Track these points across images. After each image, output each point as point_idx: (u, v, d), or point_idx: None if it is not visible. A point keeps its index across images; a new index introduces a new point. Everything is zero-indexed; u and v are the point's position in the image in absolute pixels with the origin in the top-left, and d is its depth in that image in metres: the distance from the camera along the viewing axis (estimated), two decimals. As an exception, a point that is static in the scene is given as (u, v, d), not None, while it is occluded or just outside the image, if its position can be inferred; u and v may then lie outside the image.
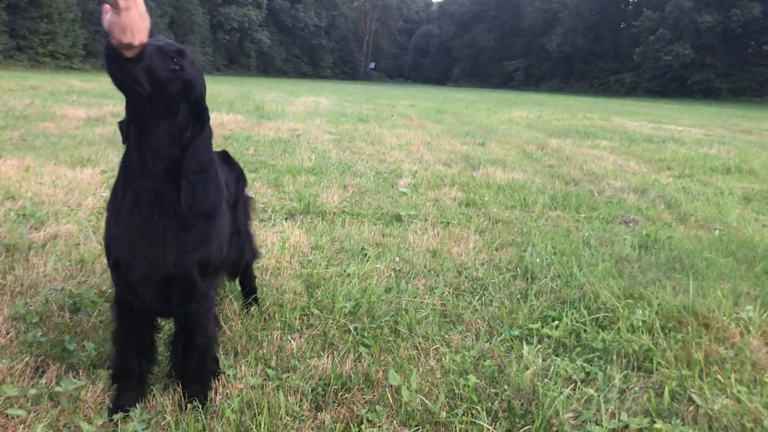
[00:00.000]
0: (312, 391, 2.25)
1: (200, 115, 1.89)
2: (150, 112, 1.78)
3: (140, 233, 1.86)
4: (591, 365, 2.59)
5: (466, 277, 3.60)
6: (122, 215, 1.87)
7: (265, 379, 2.29)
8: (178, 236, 1.88)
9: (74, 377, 2.21)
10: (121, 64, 1.67)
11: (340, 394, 2.24)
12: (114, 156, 6.58)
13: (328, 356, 2.51)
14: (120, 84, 1.71)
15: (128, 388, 2.07)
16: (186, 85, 1.83)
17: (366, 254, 3.89)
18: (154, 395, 2.15)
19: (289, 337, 2.63)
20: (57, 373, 2.23)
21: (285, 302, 2.97)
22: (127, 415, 1.97)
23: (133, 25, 1.57)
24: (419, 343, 2.68)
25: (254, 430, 1.98)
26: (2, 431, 1.87)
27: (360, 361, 2.49)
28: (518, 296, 3.31)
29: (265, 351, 2.51)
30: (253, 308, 2.84)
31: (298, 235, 4.21)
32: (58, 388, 2.06)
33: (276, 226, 4.52)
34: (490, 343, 2.74)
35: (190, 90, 1.84)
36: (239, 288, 2.98)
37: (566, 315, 3.02)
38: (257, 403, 2.10)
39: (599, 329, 2.90)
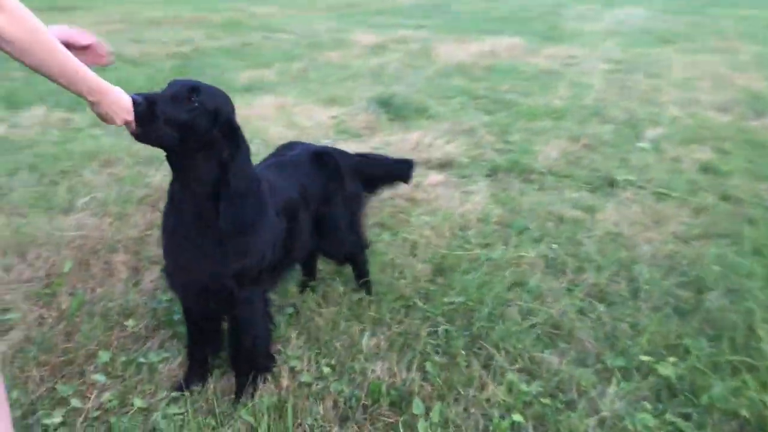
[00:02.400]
0: (348, 399, 2.29)
1: (233, 136, 2.02)
2: (185, 150, 1.96)
3: (182, 248, 2.11)
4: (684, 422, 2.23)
5: (623, 277, 3.23)
6: (168, 233, 2.15)
7: (317, 378, 2.40)
8: (214, 250, 2.09)
9: (170, 348, 2.59)
10: (136, 136, 1.87)
11: (370, 409, 2.26)
12: (366, 92, 6.95)
13: (395, 361, 2.48)
14: (151, 144, 1.93)
15: (193, 369, 2.40)
16: (211, 115, 1.96)
17: (525, 233, 3.69)
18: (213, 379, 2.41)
19: (367, 334, 2.65)
20: (161, 340, 2.64)
21: (394, 288, 3.01)
22: (182, 394, 2.30)
23: (109, 112, 1.72)
24: (495, 362, 2.49)
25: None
26: (80, 396, 2.29)
27: (421, 372, 2.44)
28: (667, 312, 2.88)
29: (338, 346, 2.58)
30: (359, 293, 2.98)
31: (477, 202, 4.17)
32: (141, 359, 2.47)
33: (467, 186, 4.49)
34: (576, 374, 2.44)
35: (216, 119, 1.97)
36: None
37: (698, 348, 2.58)
38: (283, 406, 2.22)
39: (723, 377, 2.41)
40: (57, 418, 2.18)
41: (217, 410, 2.23)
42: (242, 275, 2.17)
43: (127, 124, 1.80)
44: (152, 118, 1.84)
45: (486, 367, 2.51)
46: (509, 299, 2.96)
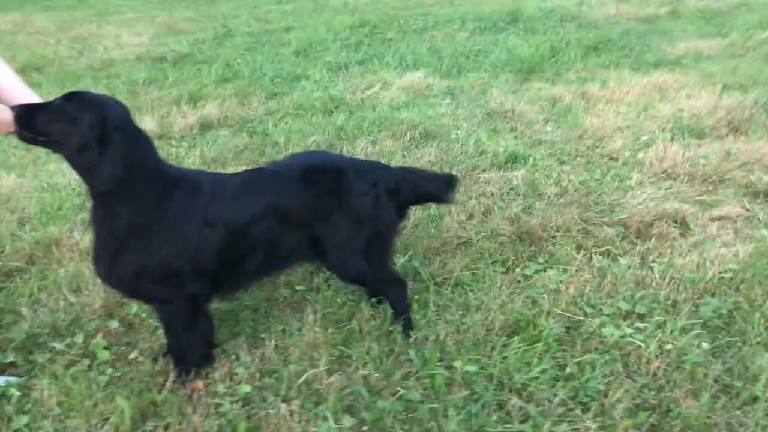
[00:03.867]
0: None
1: (103, 140, 2.13)
2: (69, 153, 2.18)
3: (95, 241, 2.33)
4: None
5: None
6: (91, 225, 2.36)
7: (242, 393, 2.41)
8: (110, 248, 2.26)
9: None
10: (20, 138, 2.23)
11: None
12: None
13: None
14: (35, 144, 2.26)
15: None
16: (80, 121, 2.12)
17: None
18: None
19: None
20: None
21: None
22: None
23: None
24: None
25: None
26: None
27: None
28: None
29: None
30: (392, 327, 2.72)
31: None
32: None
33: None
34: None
35: (89, 125, 2.12)
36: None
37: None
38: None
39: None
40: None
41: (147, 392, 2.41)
42: (140, 275, 2.27)
43: (9, 133, 2.18)
44: (28, 125, 2.16)
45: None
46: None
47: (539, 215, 3.56)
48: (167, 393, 2.40)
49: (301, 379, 2.43)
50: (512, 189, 3.96)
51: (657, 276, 2.99)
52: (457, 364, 2.45)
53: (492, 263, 3.17)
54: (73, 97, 2.20)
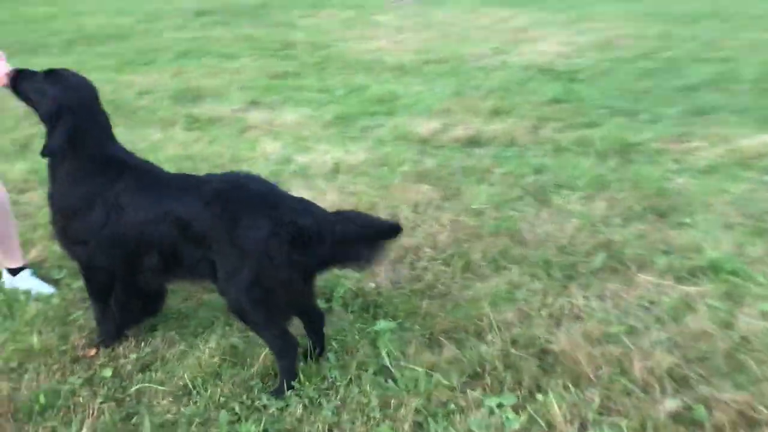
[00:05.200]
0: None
1: (56, 119, 2.43)
2: (41, 119, 2.53)
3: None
4: None
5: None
6: None
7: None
8: (53, 216, 2.59)
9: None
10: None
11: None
12: None
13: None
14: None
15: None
16: (47, 98, 2.45)
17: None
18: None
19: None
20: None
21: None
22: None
23: None
24: None
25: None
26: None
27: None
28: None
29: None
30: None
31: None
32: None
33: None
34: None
35: (54, 101, 2.43)
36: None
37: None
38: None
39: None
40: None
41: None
42: (61, 235, 2.57)
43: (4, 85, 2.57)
44: (15, 87, 2.55)
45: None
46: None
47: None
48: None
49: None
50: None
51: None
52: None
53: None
54: (52, 74, 2.51)
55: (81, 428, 2.27)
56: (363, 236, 2.37)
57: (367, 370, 2.52)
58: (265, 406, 2.36)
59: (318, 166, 4.75)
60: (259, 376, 2.52)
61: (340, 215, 2.42)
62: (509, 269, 3.28)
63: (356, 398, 2.38)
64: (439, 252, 3.46)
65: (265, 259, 2.25)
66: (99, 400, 2.41)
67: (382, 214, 3.81)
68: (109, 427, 2.28)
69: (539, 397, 2.36)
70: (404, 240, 3.41)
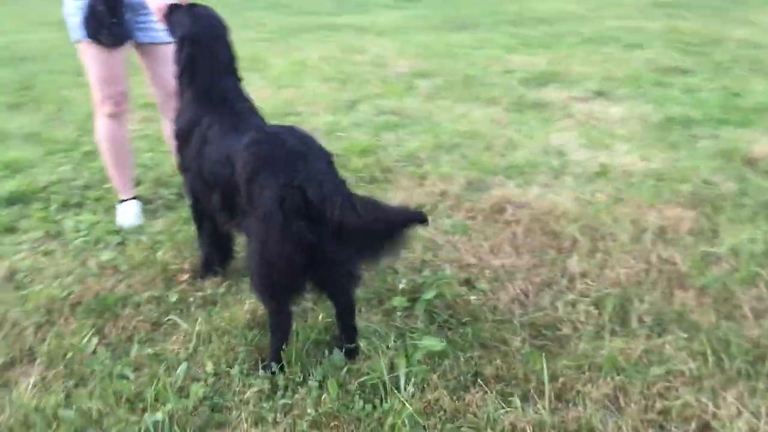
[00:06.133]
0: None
1: (180, 44, 2.56)
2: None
3: None
4: None
5: None
6: None
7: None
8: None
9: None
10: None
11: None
12: None
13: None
14: None
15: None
16: (177, 28, 2.62)
17: None
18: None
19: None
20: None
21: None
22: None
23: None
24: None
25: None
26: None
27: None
28: None
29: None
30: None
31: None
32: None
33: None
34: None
35: (183, 31, 2.57)
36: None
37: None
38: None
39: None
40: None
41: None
42: (179, 155, 2.61)
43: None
44: (165, 18, 2.72)
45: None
46: None
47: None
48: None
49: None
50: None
51: None
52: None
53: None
54: (188, 7, 2.66)
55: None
56: (379, 223, 1.97)
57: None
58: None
59: None
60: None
61: (363, 199, 2.00)
62: None
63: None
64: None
65: (268, 221, 2.02)
66: (140, 317, 2.55)
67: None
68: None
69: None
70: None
